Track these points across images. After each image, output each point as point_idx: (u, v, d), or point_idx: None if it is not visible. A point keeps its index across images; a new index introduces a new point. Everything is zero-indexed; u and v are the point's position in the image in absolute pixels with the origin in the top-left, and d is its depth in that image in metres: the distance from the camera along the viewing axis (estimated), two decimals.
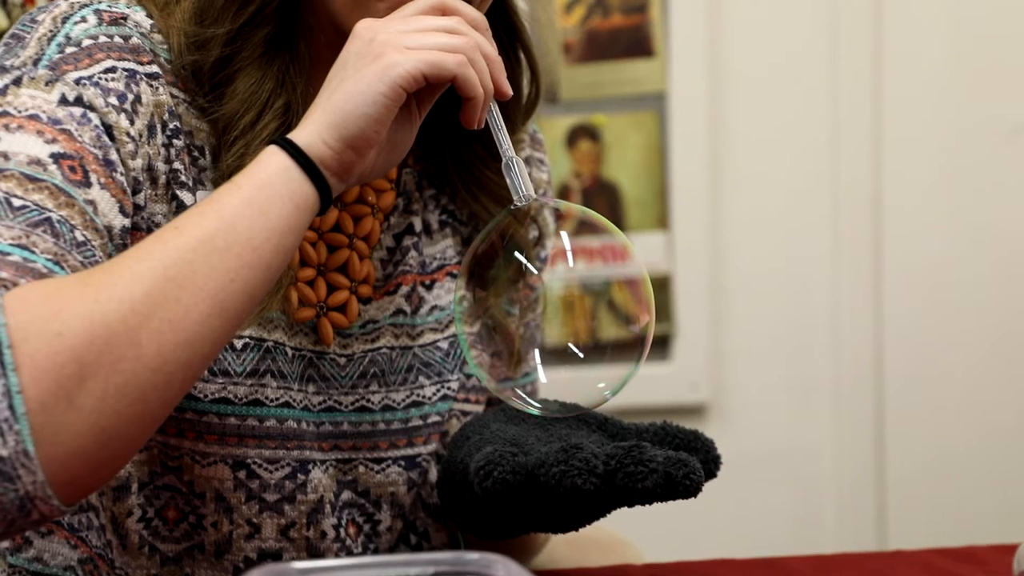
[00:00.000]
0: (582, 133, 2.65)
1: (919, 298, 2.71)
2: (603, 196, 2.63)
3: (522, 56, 1.27)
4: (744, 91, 2.67)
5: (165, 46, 1.16)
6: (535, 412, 1.11)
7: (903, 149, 2.69)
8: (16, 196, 1.02)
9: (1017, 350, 2.71)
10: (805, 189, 2.70)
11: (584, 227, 1.13)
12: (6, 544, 1.20)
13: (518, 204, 1.09)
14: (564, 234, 1.15)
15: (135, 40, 1.14)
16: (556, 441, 1.12)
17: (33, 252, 0.99)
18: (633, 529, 1.62)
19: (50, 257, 1.00)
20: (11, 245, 0.99)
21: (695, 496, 1.05)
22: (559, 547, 1.48)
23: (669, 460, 1.04)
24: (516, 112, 1.27)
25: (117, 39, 1.13)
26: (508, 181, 1.09)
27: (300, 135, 1.05)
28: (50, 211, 1.02)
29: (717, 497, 2.60)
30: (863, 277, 2.70)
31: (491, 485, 1.05)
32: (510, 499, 1.06)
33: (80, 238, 1.03)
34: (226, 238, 0.99)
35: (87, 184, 1.06)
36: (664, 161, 2.65)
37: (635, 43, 2.64)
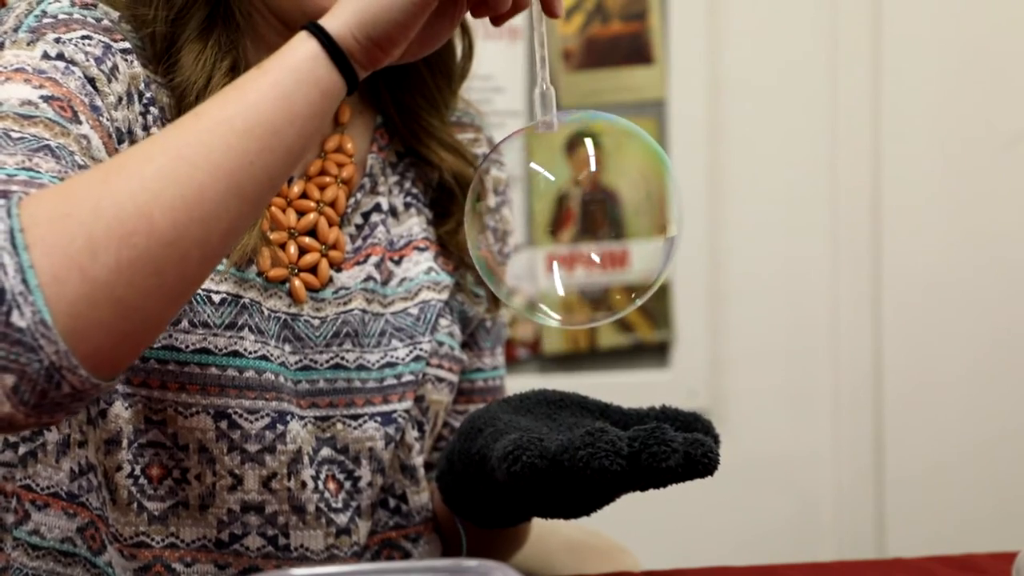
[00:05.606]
0: (581, 140, 2.65)
1: (918, 305, 2.71)
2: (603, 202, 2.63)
3: None
4: (743, 99, 2.67)
5: (134, 35, 1.21)
6: (554, 324, 1.12)
7: (902, 157, 2.69)
8: (13, 131, 1.06)
9: (1016, 356, 2.71)
10: (804, 196, 2.70)
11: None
12: (11, 518, 1.24)
13: (541, 130, 1.10)
14: (589, 141, 1.16)
15: (106, 23, 1.20)
16: (567, 429, 1.14)
17: (38, 172, 1.03)
18: (631, 536, 1.62)
19: (55, 175, 1.04)
20: (16, 168, 1.02)
21: (711, 475, 1.08)
22: (558, 554, 1.48)
23: (687, 440, 1.07)
24: (451, 73, 1.34)
25: (90, 19, 1.19)
26: (538, 105, 1.10)
27: (331, 24, 1.06)
28: (48, 140, 1.06)
29: (716, 503, 2.62)
30: (862, 284, 2.70)
31: (520, 470, 1.07)
32: (535, 484, 1.08)
33: (80, 162, 1.08)
34: (246, 120, 1.01)
35: (78, 122, 1.10)
36: None
37: (634, 50, 2.64)
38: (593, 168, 1.14)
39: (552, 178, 1.16)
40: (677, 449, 1.06)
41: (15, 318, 0.93)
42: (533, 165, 1.14)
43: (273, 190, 1.04)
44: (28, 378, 0.93)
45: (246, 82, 1.03)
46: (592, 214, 1.16)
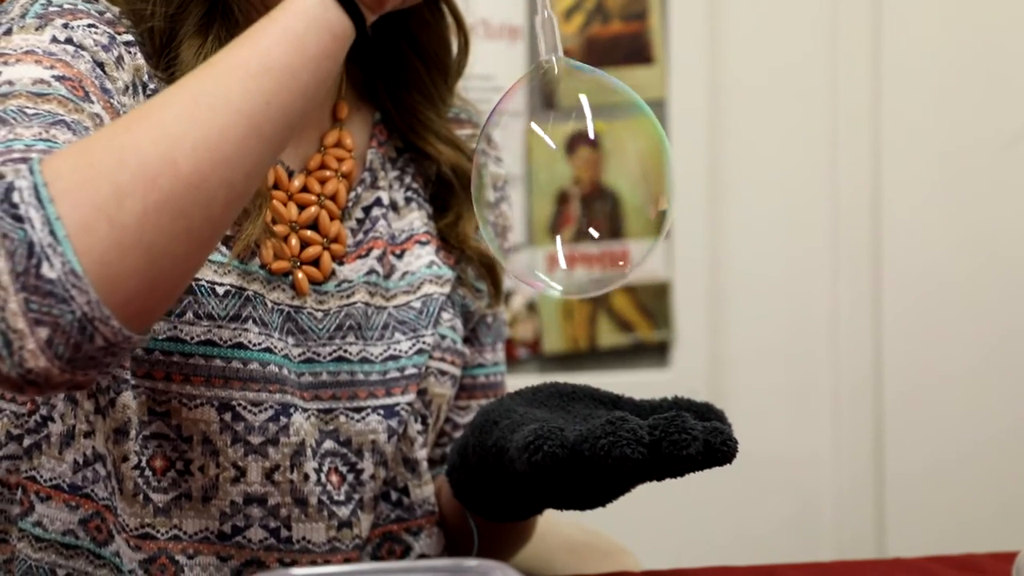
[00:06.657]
0: (581, 140, 2.65)
1: (918, 305, 2.71)
2: (603, 203, 2.63)
3: (446, 10, 1.34)
4: (743, 99, 2.67)
5: (134, 29, 1.22)
6: (555, 293, 1.13)
7: (902, 157, 2.70)
8: (28, 107, 1.06)
9: (1016, 356, 2.72)
10: (804, 196, 2.70)
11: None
12: (16, 510, 1.24)
13: (547, 61, 1.11)
14: (583, 97, 1.15)
15: (109, 15, 1.21)
16: (583, 420, 1.14)
17: (55, 142, 1.04)
18: (631, 536, 1.62)
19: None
20: (33, 139, 1.03)
21: (730, 463, 1.10)
22: (558, 554, 1.49)
23: (707, 429, 1.09)
24: (447, 69, 1.36)
25: (93, 11, 1.20)
26: (540, 33, 1.11)
27: None
28: (62, 115, 1.07)
29: (716, 503, 2.62)
30: (862, 284, 2.70)
31: (541, 459, 1.07)
32: (555, 474, 1.08)
33: None
34: (260, 63, 1.03)
35: (90, 101, 1.11)
36: None
37: (634, 50, 2.64)
38: (591, 136, 1.16)
39: (552, 144, 1.17)
40: (697, 437, 1.07)
41: (45, 270, 0.93)
42: (533, 125, 1.15)
43: (292, 131, 1.05)
44: (61, 330, 0.94)
45: (256, 30, 1.05)
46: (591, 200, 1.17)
